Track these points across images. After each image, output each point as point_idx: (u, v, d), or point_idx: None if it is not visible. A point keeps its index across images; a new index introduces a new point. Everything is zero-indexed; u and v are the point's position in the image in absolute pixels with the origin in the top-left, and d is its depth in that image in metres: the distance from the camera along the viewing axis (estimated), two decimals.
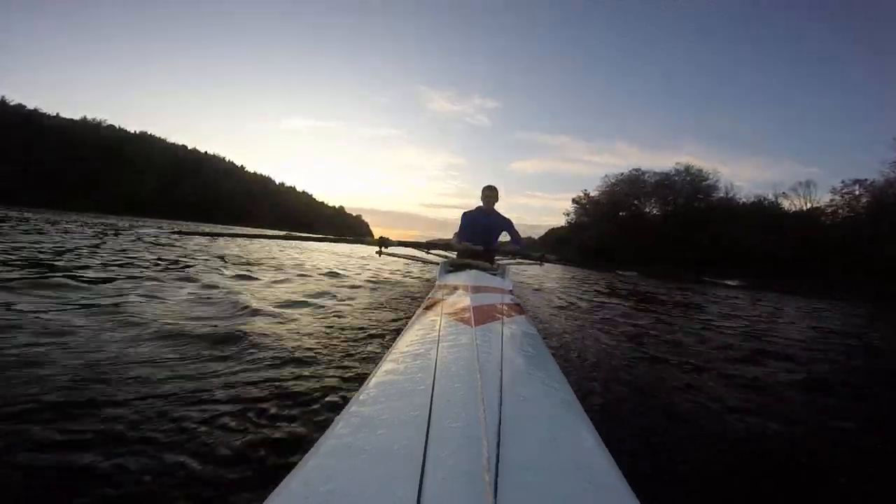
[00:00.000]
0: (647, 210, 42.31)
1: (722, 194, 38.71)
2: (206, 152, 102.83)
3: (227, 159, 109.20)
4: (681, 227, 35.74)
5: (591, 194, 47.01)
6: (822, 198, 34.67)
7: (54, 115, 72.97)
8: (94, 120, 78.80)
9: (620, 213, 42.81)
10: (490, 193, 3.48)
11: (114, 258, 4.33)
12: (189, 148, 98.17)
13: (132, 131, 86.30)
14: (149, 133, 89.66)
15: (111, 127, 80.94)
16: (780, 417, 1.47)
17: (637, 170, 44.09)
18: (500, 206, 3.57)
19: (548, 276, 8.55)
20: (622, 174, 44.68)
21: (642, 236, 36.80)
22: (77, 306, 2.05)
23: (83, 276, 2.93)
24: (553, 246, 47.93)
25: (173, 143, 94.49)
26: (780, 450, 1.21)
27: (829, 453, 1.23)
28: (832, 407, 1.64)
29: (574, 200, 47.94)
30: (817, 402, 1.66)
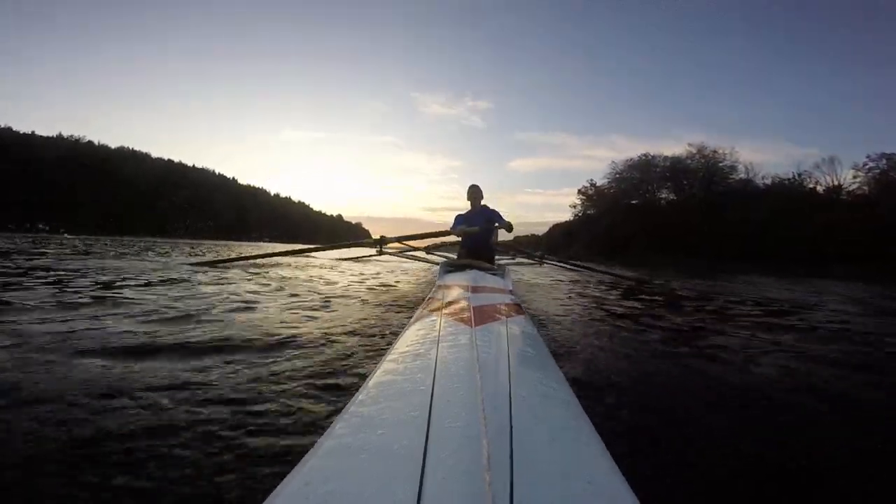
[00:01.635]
0: (664, 196, 38.51)
1: (742, 175, 34.87)
2: (193, 165, 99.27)
3: (216, 172, 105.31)
4: (699, 213, 32.35)
5: (599, 183, 43.64)
6: (845, 175, 31.52)
7: (29, 132, 70.23)
8: (71, 137, 75.63)
9: (632, 202, 39.47)
10: (475, 192, 3.62)
11: None
12: (175, 161, 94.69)
13: (112, 147, 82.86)
14: (129, 148, 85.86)
15: (90, 143, 77.92)
16: (786, 419, 1.47)
17: (646, 155, 40.20)
18: (501, 206, 3.78)
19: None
20: (631, 160, 40.92)
21: (658, 226, 33.57)
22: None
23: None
24: (559, 241, 45.34)
25: (158, 158, 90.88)
26: (783, 451, 1.21)
27: (833, 453, 1.23)
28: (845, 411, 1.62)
29: (580, 191, 45.02)
30: (828, 408, 1.64)
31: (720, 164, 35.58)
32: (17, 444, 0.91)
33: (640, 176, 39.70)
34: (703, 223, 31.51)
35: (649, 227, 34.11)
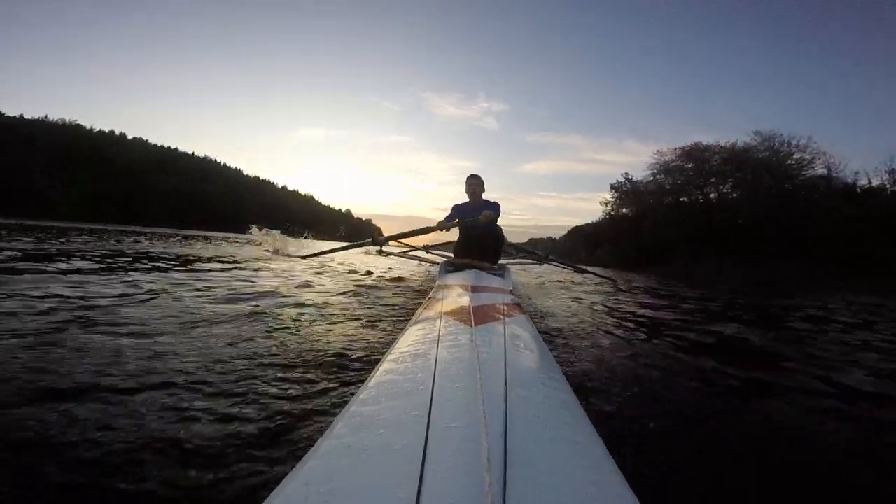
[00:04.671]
0: (728, 192, 31.78)
1: (822, 170, 27.69)
2: (193, 153, 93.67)
3: (218, 160, 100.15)
4: (773, 214, 26.02)
5: (637, 177, 36.80)
6: None
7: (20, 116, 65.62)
8: (62, 120, 71.38)
9: (681, 199, 33.19)
10: (474, 182, 3.21)
11: None
12: (171, 147, 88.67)
13: (106, 131, 77.64)
14: (119, 132, 80.00)
15: (79, 126, 72.45)
16: (791, 419, 1.46)
17: (698, 144, 33.43)
18: (513, 207, 3.50)
19: None
20: (684, 147, 33.69)
21: (719, 229, 27.31)
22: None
23: None
24: (581, 246, 39.88)
25: (157, 145, 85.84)
26: (788, 453, 1.21)
27: (840, 456, 1.22)
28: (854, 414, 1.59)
29: (612, 186, 38.49)
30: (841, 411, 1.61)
31: (794, 157, 28.83)
32: None
33: (694, 166, 32.59)
34: (779, 226, 25.37)
35: (706, 229, 27.95)
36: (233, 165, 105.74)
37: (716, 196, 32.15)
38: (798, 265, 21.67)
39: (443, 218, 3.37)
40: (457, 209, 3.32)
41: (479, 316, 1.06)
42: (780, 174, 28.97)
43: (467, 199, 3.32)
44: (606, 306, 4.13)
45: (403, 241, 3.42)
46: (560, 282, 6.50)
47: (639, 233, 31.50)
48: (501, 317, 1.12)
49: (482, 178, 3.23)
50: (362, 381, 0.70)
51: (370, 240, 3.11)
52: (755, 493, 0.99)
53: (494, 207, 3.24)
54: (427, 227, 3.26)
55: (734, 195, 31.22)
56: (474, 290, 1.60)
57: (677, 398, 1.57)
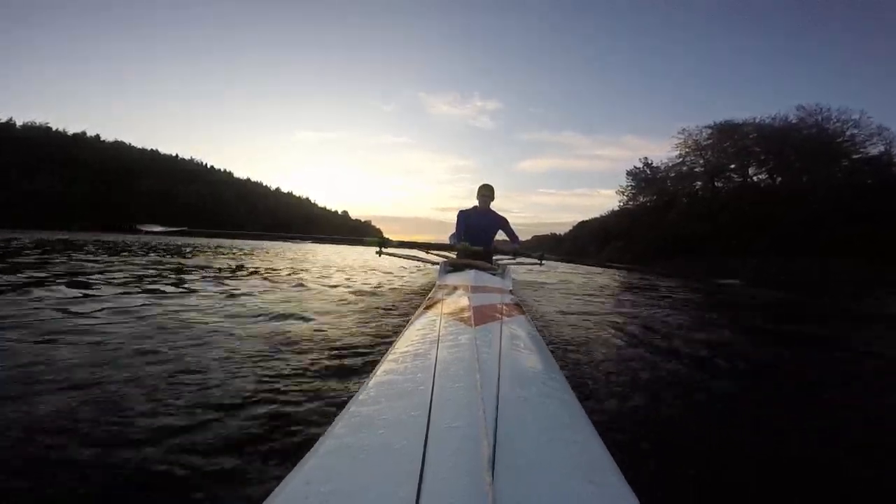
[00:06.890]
0: (767, 178, 26.65)
1: (881, 148, 23.05)
2: (176, 155, 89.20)
3: (203, 162, 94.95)
4: (835, 201, 21.27)
5: (659, 163, 31.52)
6: None
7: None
8: (31, 123, 67.23)
9: (716, 184, 28.77)
10: (486, 193, 3.45)
11: None
12: (153, 150, 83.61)
13: (70, 132, 71.69)
14: (87, 134, 74.40)
15: (45, 128, 68.06)
16: (791, 420, 1.46)
17: (730, 120, 28.64)
18: (512, 206, 3.64)
19: None
20: (715, 123, 28.46)
21: (763, 217, 22.41)
22: None
23: None
24: (588, 242, 36.44)
25: (140, 148, 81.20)
26: (787, 453, 1.21)
27: (843, 458, 1.21)
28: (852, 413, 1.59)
29: (629, 173, 34.14)
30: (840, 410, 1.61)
31: (847, 134, 24.39)
32: None
33: (731, 143, 27.74)
34: (834, 214, 20.43)
35: (743, 217, 23.47)
36: (221, 168, 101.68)
37: (765, 178, 26.96)
38: (859, 262, 17.35)
39: (449, 221, 3.58)
40: (463, 215, 3.46)
41: (479, 316, 1.06)
42: (832, 154, 24.49)
43: (474, 205, 3.51)
44: (610, 306, 4.12)
45: (405, 247, 3.45)
46: (563, 281, 6.50)
47: (659, 226, 27.35)
48: (501, 317, 1.12)
49: (493, 187, 3.50)
50: (362, 381, 0.70)
51: (375, 239, 3.15)
52: (754, 492, 0.99)
53: (502, 223, 3.49)
54: (441, 244, 3.46)
55: (777, 179, 26.67)
56: (474, 290, 1.59)
57: (677, 397, 1.57)
